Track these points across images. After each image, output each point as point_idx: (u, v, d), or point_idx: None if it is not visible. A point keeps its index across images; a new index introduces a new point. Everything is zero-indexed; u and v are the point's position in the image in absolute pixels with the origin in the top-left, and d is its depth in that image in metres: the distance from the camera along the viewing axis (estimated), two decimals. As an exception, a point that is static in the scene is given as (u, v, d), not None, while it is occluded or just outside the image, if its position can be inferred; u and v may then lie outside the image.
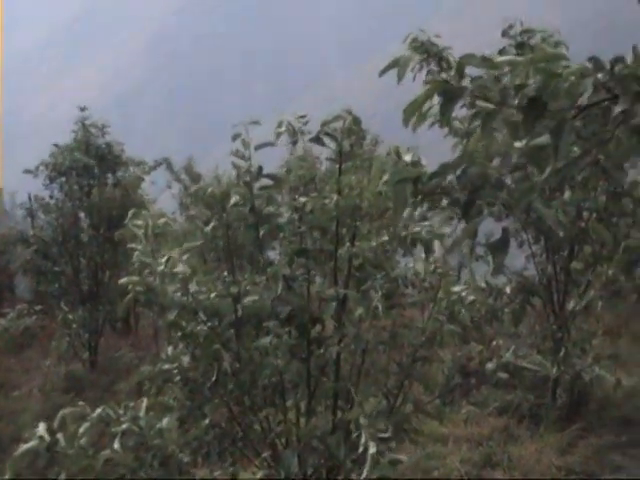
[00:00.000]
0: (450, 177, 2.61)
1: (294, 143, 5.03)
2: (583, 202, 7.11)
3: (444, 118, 2.59)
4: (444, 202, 2.60)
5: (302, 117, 4.89)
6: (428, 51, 8.80)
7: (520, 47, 7.58)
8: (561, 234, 7.28)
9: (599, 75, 2.57)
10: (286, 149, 12.52)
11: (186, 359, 4.92)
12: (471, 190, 2.47)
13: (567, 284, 7.72)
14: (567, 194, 2.73)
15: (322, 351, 4.83)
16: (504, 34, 7.83)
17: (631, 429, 7.46)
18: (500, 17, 8.11)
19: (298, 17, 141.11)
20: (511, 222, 7.35)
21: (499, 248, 2.48)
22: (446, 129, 7.73)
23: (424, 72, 8.50)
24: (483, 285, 7.05)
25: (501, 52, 7.53)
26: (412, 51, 8.78)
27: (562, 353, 7.35)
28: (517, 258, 8.60)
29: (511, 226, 7.78)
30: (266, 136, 4.97)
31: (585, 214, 7.25)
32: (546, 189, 2.44)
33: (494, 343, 7.87)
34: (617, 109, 2.57)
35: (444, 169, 2.53)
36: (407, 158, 2.63)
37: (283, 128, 4.87)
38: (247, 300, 4.75)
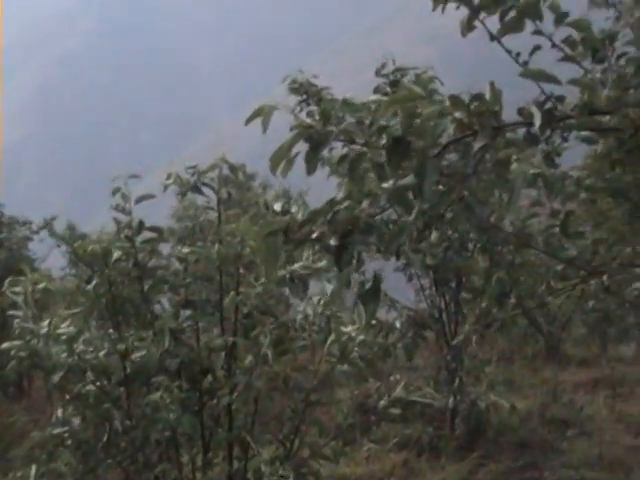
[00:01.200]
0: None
1: (183, 195, 5.00)
2: (466, 233, 7.24)
3: (310, 165, 2.59)
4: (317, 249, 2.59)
5: (192, 168, 4.88)
6: (307, 92, 8.93)
7: (394, 85, 7.71)
8: (427, 272, 7.42)
9: (457, 113, 2.63)
10: (177, 199, 12.41)
11: (77, 421, 4.80)
12: (341, 236, 2.48)
13: (457, 315, 7.83)
14: (434, 234, 2.75)
15: (215, 402, 4.78)
16: (377, 73, 7.96)
17: (527, 452, 7.60)
18: (379, 55, 8.24)
19: (182, 65, 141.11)
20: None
21: (370, 297, 2.48)
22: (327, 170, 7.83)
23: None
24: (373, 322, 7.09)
25: (375, 90, 7.65)
26: (291, 92, 8.90)
27: (457, 383, 7.45)
28: (408, 291, 8.70)
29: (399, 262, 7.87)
30: (156, 186, 4.94)
31: (470, 245, 7.38)
32: (414, 231, 2.46)
33: (391, 378, 7.93)
34: (477, 145, 2.63)
35: (313, 216, 2.53)
36: (277, 207, 2.62)
37: (171, 180, 4.84)
38: (135, 356, 4.68)
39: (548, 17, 3.22)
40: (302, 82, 8.90)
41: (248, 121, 2.67)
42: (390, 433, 7.67)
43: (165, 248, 5.28)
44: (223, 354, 4.75)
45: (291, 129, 2.66)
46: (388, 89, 7.80)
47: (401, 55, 8.60)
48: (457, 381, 7.52)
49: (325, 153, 7.87)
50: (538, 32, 3.15)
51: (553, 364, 10.44)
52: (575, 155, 4.29)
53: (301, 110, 9.03)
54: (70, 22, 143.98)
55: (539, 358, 10.77)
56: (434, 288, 8.13)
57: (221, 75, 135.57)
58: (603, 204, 4.72)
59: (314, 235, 2.47)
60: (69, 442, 4.77)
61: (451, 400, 7.49)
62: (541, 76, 2.77)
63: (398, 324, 7.44)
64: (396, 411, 4.99)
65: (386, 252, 2.42)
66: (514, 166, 2.99)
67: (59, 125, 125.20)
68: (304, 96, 8.86)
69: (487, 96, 2.78)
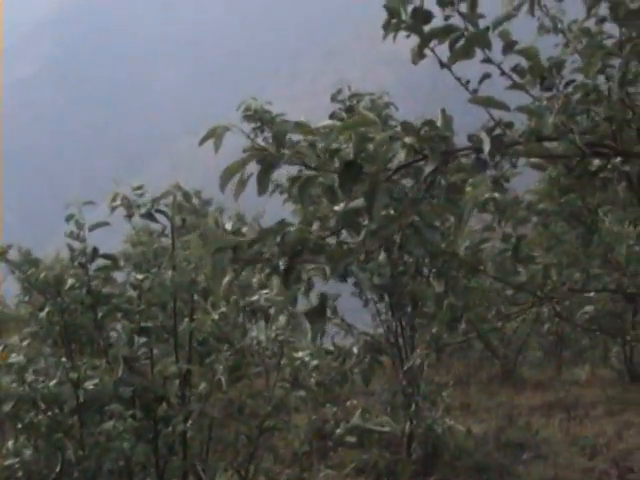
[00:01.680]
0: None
1: (130, 217, 4.96)
2: (422, 257, 7.26)
3: (261, 185, 2.60)
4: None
5: (138, 189, 4.85)
6: (261, 119, 8.94)
7: (349, 111, 7.74)
8: (377, 293, 7.46)
9: (407, 138, 2.65)
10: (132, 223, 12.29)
11: (28, 452, 4.73)
12: (290, 256, 2.48)
13: (413, 339, 7.84)
14: (382, 256, 2.76)
15: (169, 430, 4.74)
16: (333, 99, 8.00)
17: (483, 476, 7.61)
18: (337, 79, 8.28)
19: (136, 88, 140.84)
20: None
21: (316, 315, 2.49)
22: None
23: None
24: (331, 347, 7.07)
25: (331, 116, 7.68)
26: (245, 119, 8.91)
27: (413, 408, 7.44)
28: (366, 316, 8.70)
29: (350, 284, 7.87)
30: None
31: (425, 269, 7.40)
32: (363, 252, 2.47)
33: (348, 403, 7.91)
34: (427, 169, 2.65)
35: (263, 235, 2.53)
36: (228, 226, 2.63)
37: (118, 202, 4.81)
38: (88, 384, 4.63)
39: (499, 45, 3.27)
40: (256, 109, 8.91)
41: (202, 142, 2.68)
42: (347, 458, 7.63)
43: (121, 274, 5.26)
44: (177, 381, 4.71)
45: (244, 151, 2.66)
46: (344, 115, 7.83)
47: (358, 79, 8.65)
48: (413, 406, 7.52)
49: (283, 181, 7.87)
50: (487, 60, 3.20)
51: (509, 387, 10.49)
52: (529, 178, 4.34)
53: (256, 137, 9.04)
54: (25, 47, 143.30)
55: (495, 382, 10.82)
56: (390, 313, 8.14)
57: (179, 99, 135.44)
58: (557, 227, 4.77)
59: (264, 255, 2.48)
60: (20, 474, 4.70)
61: (407, 425, 7.48)
62: (490, 103, 2.80)
63: (355, 349, 7.43)
64: (352, 439, 4.99)
65: (334, 272, 2.43)
66: (469, 189, 3.03)
67: (11, 151, 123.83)
68: (258, 123, 8.87)
69: (439, 123, 2.80)
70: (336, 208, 2.64)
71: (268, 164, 2.66)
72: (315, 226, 2.63)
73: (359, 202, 2.56)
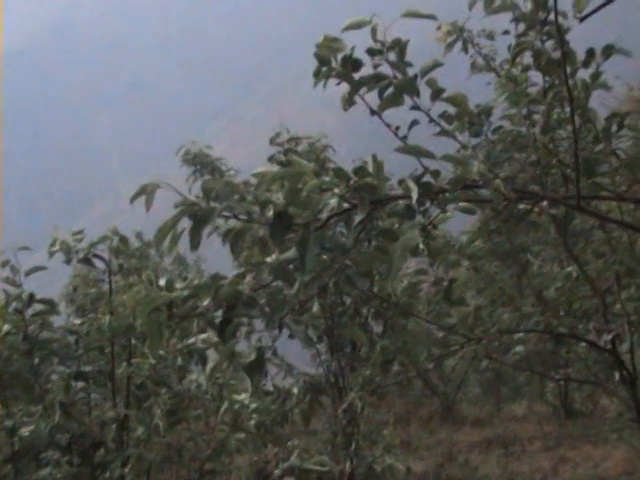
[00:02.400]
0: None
1: (68, 262, 4.95)
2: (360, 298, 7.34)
3: (193, 241, 2.63)
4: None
5: (78, 234, 4.84)
6: (201, 162, 9.04)
7: (287, 153, 7.84)
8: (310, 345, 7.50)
9: (337, 189, 2.70)
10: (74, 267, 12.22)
11: (-38, 503, 4.67)
12: (225, 310, 2.52)
13: (353, 379, 7.87)
14: (316, 306, 2.81)
15: (107, 475, 4.71)
16: (272, 142, 8.09)
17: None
18: (278, 121, 8.37)
19: (77, 132, 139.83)
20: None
21: (254, 368, 2.53)
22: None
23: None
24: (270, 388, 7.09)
25: (270, 159, 7.78)
26: (184, 163, 9.00)
27: (353, 447, 7.46)
28: (306, 356, 8.72)
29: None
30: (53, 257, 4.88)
31: (364, 310, 7.47)
32: (296, 303, 2.52)
33: (290, 443, 7.90)
34: (357, 219, 2.72)
35: (197, 290, 2.56)
36: (161, 282, 2.64)
37: (57, 247, 4.79)
38: (23, 431, 4.58)
39: (429, 91, 3.37)
40: (195, 153, 9.02)
41: (132, 200, 2.69)
42: (288, 500, 7.62)
43: (61, 318, 5.23)
44: (115, 426, 4.70)
45: (175, 206, 2.69)
46: (282, 158, 7.93)
47: (299, 121, 8.78)
48: (353, 445, 7.54)
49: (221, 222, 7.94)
50: (416, 107, 3.30)
51: (449, 424, 10.59)
52: (468, 217, 4.43)
53: (195, 180, 9.14)
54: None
55: (435, 419, 10.91)
56: (330, 353, 8.18)
57: (121, 142, 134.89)
58: (491, 267, 4.87)
59: (198, 310, 2.51)
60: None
61: (348, 464, 7.50)
62: (416, 152, 2.88)
63: (295, 390, 7.44)
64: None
65: (268, 326, 2.48)
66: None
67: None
68: (198, 166, 8.99)
69: (370, 169, 2.86)
70: (268, 260, 2.68)
71: (200, 219, 2.69)
72: (249, 278, 2.66)
73: (291, 253, 2.60)
